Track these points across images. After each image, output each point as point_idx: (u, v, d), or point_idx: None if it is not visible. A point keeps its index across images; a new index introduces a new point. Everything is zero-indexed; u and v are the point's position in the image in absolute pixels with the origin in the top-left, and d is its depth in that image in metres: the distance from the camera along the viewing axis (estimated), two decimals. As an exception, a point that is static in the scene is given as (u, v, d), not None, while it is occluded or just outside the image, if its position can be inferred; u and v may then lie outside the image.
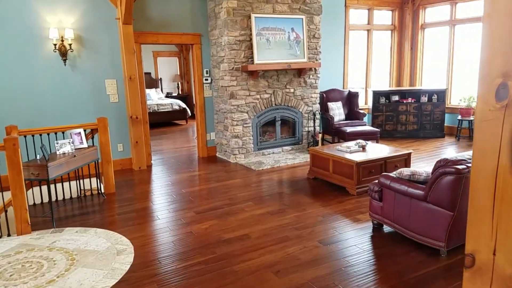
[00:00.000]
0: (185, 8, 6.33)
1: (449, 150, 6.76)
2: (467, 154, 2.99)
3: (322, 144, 6.77)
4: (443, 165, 2.95)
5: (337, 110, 7.31)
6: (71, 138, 4.61)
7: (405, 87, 8.53)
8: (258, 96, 6.34)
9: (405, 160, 4.94)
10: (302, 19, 6.46)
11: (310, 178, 5.29)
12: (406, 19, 8.42)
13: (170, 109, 10.37)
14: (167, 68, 12.34)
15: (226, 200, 4.58)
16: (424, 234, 3.14)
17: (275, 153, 6.65)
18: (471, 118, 7.26)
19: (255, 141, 6.46)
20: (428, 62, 8.55)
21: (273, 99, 6.49)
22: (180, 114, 10.47)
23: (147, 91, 11.09)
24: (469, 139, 7.40)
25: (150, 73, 11.80)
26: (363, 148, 5.02)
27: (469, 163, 2.87)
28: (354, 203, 4.33)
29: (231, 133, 6.23)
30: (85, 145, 4.71)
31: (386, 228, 3.63)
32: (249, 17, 6.01)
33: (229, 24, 5.90)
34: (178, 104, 10.52)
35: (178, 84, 12.56)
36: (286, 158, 6.33)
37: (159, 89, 11.80)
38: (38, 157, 4.22)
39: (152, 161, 6.53)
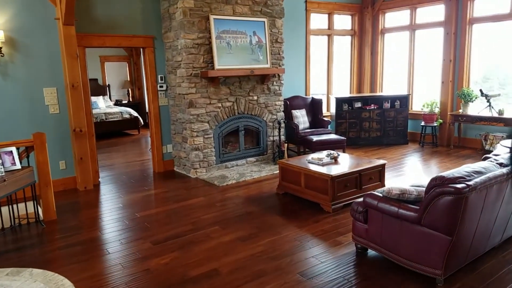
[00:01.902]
0: (135, 7, 5.69)
1: (415, 157, 6.66)
2: (464, 170, 2.70)
3: (288, 155, 6.39)
4: (439, 184, 2.63)
5: (301, 118, 6.98)
6: (1, 158, 3.84)
7: (366, 93, 8.42)
8: (220, 105, 5.84)
9: (380, 172, 4.66)
10: (264, 22, 6.07)
11: (280, 194, 4.87)
12: (366, 24, 8.32)
13: (120, 118, 9.54)
14: (116, 73, 11.45)
15: (189, 224, 4.03)
16: (417, 260, 2.81)
17: (239, 166, 6.16)
18: (435, 124, 7.22)
19: (217, 153, 5.94)
20: (388, 68, 8.51)
21: (235, 108, 6.01)
22: (131, 123, 9.68)
23: (94, 99, 10.19)
24: (433, 146, 7.37)
25: (96, 79, 10.86)
26: (335, 159, 4.68)
27: (469, 181, 2.57)
28: (331, 222, 3.95)
29: (190, 145, 5.66)
30: (18, 166, 3.95)
31: (371, 252, 3.28)
32: (208, 18, 5.51)
33: (185, 26, 5.36)
34: (129, 112, 9.73)
35: (128, 90, 11.70)
36: (252, 171, 5.87)
37: (107, 97, 10.89)
38: (-47, 185, 3.42)
39: (100, 179, 5.79)
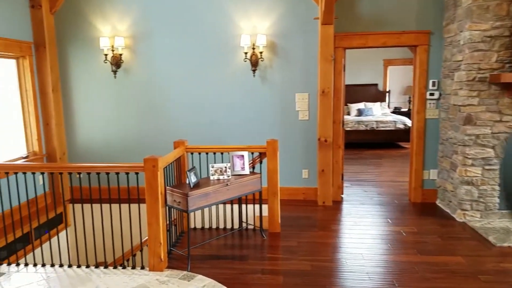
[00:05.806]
0: (410, -2, 4.58)
1: None
2: None
3: None
4: None
5: None
6: (232, 161, 3.83)
7: None
8: (517, 124, 3.88)
9: None
10: None
11: None
12: None
13: (393, 128, 8.53)
14: (399, 78, 10.45)
15: (420, 301, 2.70)
16: None
17: (542, 221, 3.96)
18: None
19: (503, 193, 4.00)
20: None
21: (547, 130, 3.85)
22: (405, 134, 8.45)
23: (370, 105, 9.70)
24: None
25: (377, 85, 10.27)
26: None
27: None
28: None
29: (460, 176, 4.05)
30: (246, 171, 3.83)
31: None
32: (514, -5, 3.69)
33: (474, 13, 3.78)
34: (403, 122, 8.55)
35: (409, 97, 10.46)
36: None
37: (385, 103, 10.11)
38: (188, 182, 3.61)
39: (342, 196, 5.12)
